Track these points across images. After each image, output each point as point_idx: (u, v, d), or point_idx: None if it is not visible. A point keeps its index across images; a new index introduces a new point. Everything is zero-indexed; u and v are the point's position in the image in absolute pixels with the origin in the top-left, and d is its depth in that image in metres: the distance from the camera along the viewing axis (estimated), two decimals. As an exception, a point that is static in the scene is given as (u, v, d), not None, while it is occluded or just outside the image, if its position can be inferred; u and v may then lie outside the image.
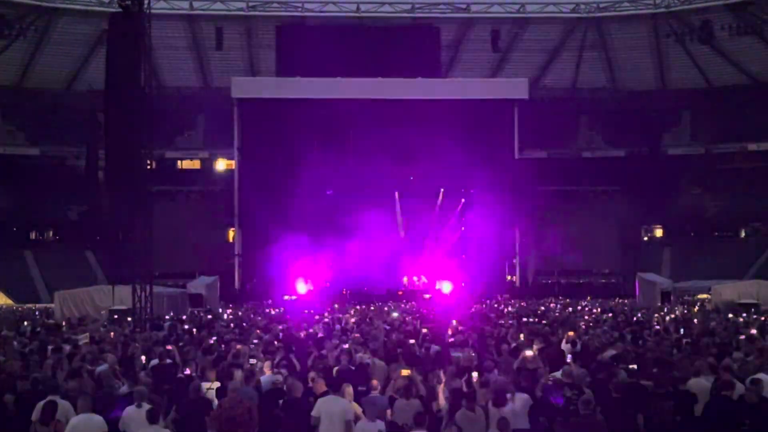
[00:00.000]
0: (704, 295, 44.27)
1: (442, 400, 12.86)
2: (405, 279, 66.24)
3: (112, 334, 22.56)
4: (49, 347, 18.55)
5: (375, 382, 13.16)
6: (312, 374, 13.99)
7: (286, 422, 12.00)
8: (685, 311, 36.52)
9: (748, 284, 44.07)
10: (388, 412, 12.30)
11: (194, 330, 24.59)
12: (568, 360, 15.09)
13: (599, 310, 39.05)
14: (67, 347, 18.56)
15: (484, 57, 73.37)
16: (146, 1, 31.34)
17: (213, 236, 64.86)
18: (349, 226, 69.15)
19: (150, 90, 32.87)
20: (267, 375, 14.46)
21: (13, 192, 69.85)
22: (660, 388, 12.58)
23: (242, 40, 72.09)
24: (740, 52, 70.80)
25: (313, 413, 11.76)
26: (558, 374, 13.66)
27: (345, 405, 11.84)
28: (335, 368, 15.14)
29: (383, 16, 70.72)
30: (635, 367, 14.05)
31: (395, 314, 32.53)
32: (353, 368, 15.15)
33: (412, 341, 18.85)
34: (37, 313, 41.16)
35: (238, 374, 13.69)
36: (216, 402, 12.32)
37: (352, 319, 29.49)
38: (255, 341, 19.21)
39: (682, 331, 22.41)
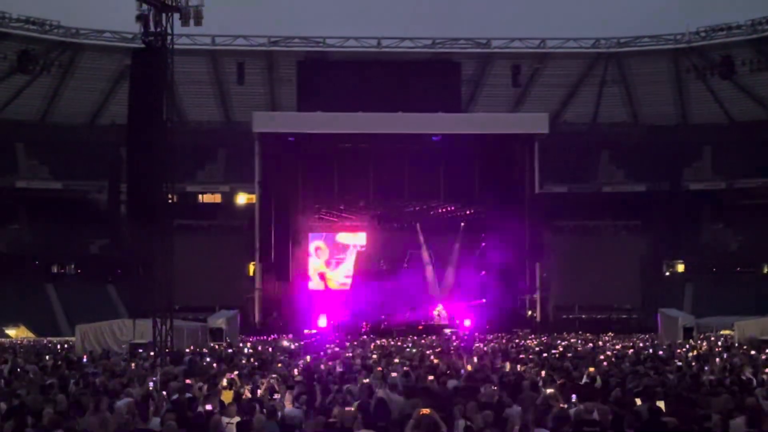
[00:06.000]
0: (727, 331, 43.82)
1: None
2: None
3: (133, 366, 22.55)
4: (71, 381, 18.54)
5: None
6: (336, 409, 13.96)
7: None
8: (708, 347, 36.13)
9: (772, 320, 43.56)
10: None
11: (214, 364, 24.55)
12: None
13: (621, 345, 38.71)
14: (96, 381, 18.51)
15: (504, 92, 73.63)
16: (169, 38, 31.57)
17: (233, 270, 64.81)
18: (370, 259, 69.34)
19: (172, 124, 32.99)
20: (287, 408, 14.48)
21: (35, 226, 70.33)
22: (683, 425, 12.44)
23: (264, 75, 72.62)
24: (761, 87, 70.83)
25: None
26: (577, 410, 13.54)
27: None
28: (355, 403, 15.08)
29: (404, 51, 71.06)
30: (657, 403, 13.93)
31: (414, 350, 32.29)
32: (373, 403, 15.09)
33: (431, 378, 18.75)
34: (58, 346, 41.23)
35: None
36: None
37: (374, 355, 29.30)
38: (274, 375, 19.17)
39: (706, 368, 22.18)
